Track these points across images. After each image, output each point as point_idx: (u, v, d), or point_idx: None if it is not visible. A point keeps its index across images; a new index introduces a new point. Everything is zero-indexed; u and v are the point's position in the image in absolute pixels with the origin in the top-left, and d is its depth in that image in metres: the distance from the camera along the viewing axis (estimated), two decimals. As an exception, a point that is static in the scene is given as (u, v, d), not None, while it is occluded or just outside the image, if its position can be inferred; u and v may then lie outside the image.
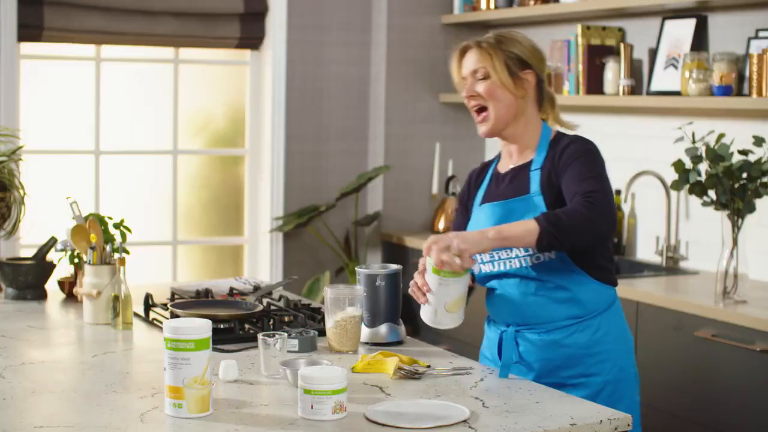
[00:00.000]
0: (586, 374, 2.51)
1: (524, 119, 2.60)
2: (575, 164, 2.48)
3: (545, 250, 2.40)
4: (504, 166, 2.68)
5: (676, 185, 3.51)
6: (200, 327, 2.09)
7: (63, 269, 3.48)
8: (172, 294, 3.28)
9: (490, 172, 2.71)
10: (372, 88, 5.35)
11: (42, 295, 3.35)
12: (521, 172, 2.60)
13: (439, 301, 2.42)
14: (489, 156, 5.41)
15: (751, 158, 3.40)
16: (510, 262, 2.53)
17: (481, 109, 2.59)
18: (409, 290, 2.47)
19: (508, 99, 2.57)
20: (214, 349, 2.59)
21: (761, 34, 3.89)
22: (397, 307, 2.75)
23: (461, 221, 2.72)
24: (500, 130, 2.60)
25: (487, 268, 2.59)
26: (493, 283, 2.60)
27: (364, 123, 5.37)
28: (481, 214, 2.61)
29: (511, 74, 2.56)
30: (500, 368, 2.43)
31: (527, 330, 2.54)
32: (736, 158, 3.46)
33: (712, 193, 3.53)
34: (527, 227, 2.35)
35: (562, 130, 2.69)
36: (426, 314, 2.47)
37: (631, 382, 2.58)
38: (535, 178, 2.55)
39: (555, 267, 2.49)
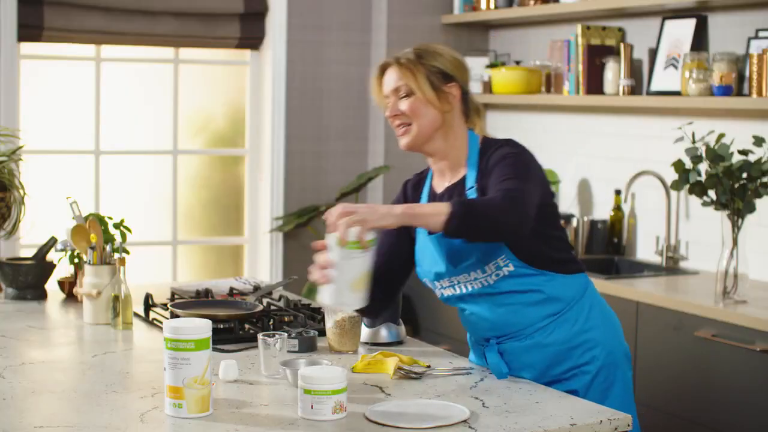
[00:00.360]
0: (577, 365, 2.47)
1: (452, 134, 2.50)
2: (497, 168, 2.40)
3: (452, 236, 2.29)
4: (439, 185, 2.58)
5: (676, 185, 3.51)
6: (200, 327, 2.09)
7: (63, 269, 3.48)
8: (172, 294, 3.28)
9: (426, 189, 2.61)
10: (372, 88, 5.35)
11: (42, 295, 3.35)
12: (456, 191, 2.51)
13: (344, 278, 2.22)
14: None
15: (751, 158, 3.40)
16: (470, 284, 2.47)
17: (406, 126, 2.50)
18: (313, 276, 2.24)
19: (432, 115, 2.47)
20: (214, 349, 2.59)
21: (761, 34, 3.89)
22: (397, 307, 2.75)
23: (393, 236, 2.57)
24: (422, 144, 2.51)
25: (448, 292, 2.53)
26: (460, 304, 2.55)
27: (364, 123, 5.37)
28: (429, 244, 2.50)
29: (434, 89, 2.46)
30: (496, 376, 2.44)
31: (508, 340, 2.49)
32: (736, 158, 3.45)
33: (712, 193, 3.53)
34: (438, 208, 2.24)
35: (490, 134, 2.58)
36: (328, 295, 2.24)
37: (623, 361, 2.54)
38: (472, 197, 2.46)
39: (516, 276, 2.44)
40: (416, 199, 2.63)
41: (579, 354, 2.48)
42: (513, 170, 2.37)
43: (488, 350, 2.50)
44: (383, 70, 2.53)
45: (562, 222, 2.91)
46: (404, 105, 2.48)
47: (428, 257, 2.52)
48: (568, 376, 2.48)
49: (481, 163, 2.47)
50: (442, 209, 2.24)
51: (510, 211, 2.27)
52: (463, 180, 2.50)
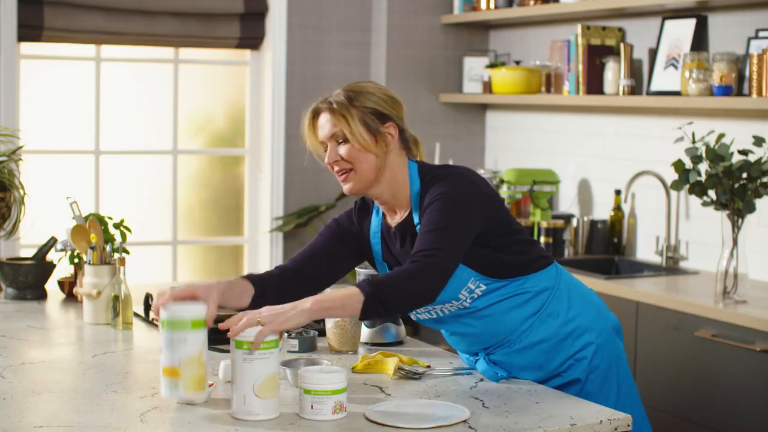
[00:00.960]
0: (571, 355, 2.45)
1: (392, 174, 2.42)
2: (426, 214, 2.35)
3: (368, 319, 2.29)
4: (391, 220, 2.50)
5: (676, 185, 3.51)
6: (195, 308, 2.12)
7: (63, 269, 3.48)
8: (172, 294, 3.27)
9: (377, 223, 2.53)
10: (372, 88, 5.34)
11: (42, 295, 3.35)
12: (408, 230, 2.46)
13: (246, 383, 2.05)
14: (489, 156, 5.41)
15: (751, 158, 3.40)
16: (445, 309, 2.44)
17: (347, 173, 2.43)
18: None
19: (372, 159, 2.39)
20: (215, 350, 2.59)
21: (761, 34, 3.89)
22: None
23: (329, 244, 2.53)
24: (366, 189, 2.42)
25: (424, 317, 2.50)
26: (439, 326, 2.53)
27: (364, 123, 5.36)
28: None
29: (370, 132, 2.39)
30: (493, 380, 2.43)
31: (496, 349, 2.46)
32: (736, 158, 3.46)
33: (712, 193, 3.54)
34: (351, 298, 2.20)
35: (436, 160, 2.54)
36: (235, 404, 2.07)
37: (614, 336, 2.53)
38: None
39: (490, 292, 2.41)
40: (363, 225, 2.55)
41: (570, 343, 2.45)
42: (437, 219, 2.32)
43: (479, 364, 2.48)
44: (315, 115, 2.45)
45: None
46: (343, 151, 2.39)
47: None
48: (565, 367, 2.46)
49: (421, 203, 2.41)
50: (355, 298, 2.20)
51: (423, 280, 2.25)
52: (410, 215, 2.45)
